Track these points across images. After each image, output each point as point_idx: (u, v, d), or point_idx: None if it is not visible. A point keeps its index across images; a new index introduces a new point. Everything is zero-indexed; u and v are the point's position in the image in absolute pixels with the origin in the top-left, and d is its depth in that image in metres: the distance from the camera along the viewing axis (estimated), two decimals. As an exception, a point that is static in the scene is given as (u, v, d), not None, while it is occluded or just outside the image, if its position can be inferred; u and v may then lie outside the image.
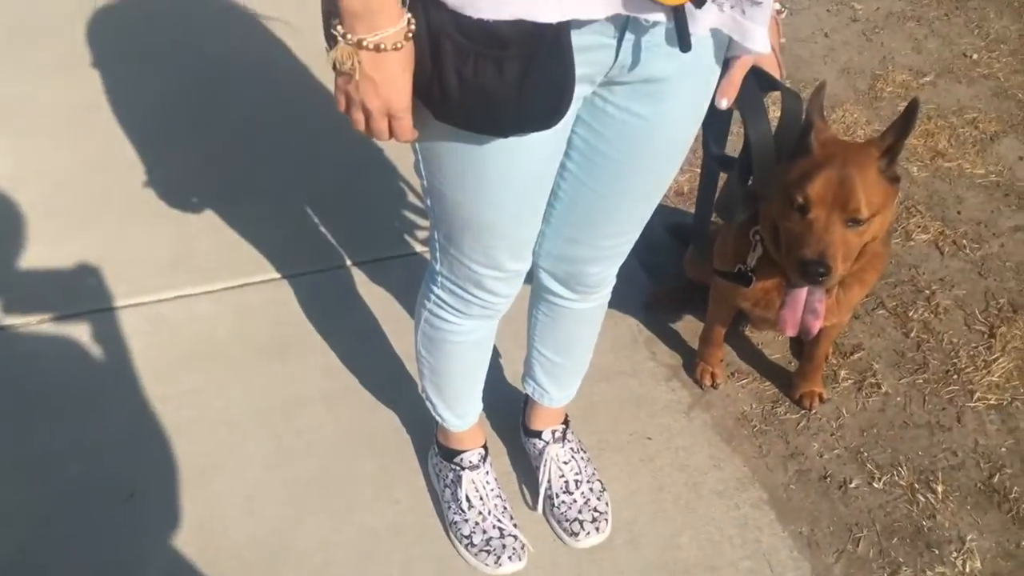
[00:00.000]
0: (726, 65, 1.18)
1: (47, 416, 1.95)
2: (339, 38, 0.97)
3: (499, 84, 1.00)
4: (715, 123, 1.28)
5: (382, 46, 0.97)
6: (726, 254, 1.83)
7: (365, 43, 0.96)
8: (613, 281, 1.56)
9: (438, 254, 1.37)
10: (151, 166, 2.62)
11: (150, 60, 3.03)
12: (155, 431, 1.94)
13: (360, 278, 2.31)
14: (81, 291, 2.23)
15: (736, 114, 1.24)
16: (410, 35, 0.98)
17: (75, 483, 1.84)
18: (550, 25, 0.97)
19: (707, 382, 2.07)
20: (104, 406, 1.98)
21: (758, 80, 1.21)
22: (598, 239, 1.39)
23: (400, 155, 2.65)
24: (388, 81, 1.00)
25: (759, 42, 1.10)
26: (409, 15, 0.97)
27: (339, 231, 2.44)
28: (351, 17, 0.95)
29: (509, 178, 1.17)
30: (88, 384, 2.02)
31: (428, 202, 1.27)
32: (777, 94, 1.23)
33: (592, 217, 1.34)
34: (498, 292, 1.40)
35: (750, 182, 1.32)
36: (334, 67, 1.00)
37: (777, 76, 1.23)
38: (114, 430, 1.93)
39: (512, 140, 1.09)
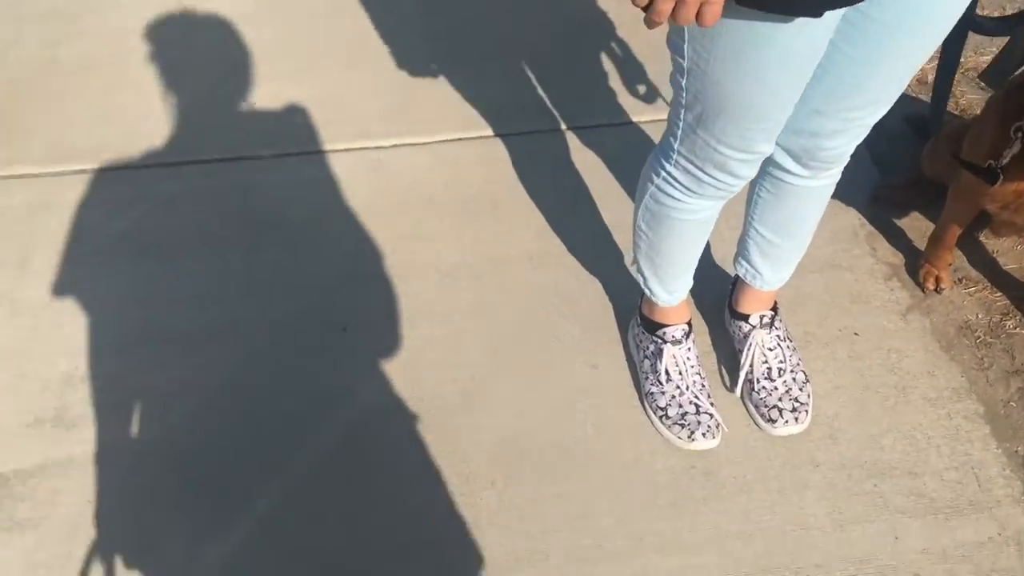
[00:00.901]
0: None
1: (274, 245, 2.07)
2: None
3: None
4: None
5: None
6: (979, 146, 1.67)
7: None
8: (847, 159, 1.46)
9: (679, 132, 1.31)
10: (378, 17, 2.65)
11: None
12: (370, 271, 2.02)
13: (573, 143, 2.29)
14: (307, 131, 2.32)
15: None
16: None
17: (295, 311, 1.95)
18: None
19: (930, 286, 1.95)
20: (324, 242, 2.08)
21: None
22: (845, 111, 1.29)
23: (623, 21, 2.57)
24: None
25: None
26: None
27: (555, 95, 2.41)
28: None
29: (787, 59, 1.10)
30: (311, 219, 2.12)
31: (684, 82, 1.20)
32: None
33: (843, 86, 1.25)
34: (739, 174, 1.34)
35: None
36: None
37: None
38: (332, 265, 2.03)
39: (802, 19, 1.02)
